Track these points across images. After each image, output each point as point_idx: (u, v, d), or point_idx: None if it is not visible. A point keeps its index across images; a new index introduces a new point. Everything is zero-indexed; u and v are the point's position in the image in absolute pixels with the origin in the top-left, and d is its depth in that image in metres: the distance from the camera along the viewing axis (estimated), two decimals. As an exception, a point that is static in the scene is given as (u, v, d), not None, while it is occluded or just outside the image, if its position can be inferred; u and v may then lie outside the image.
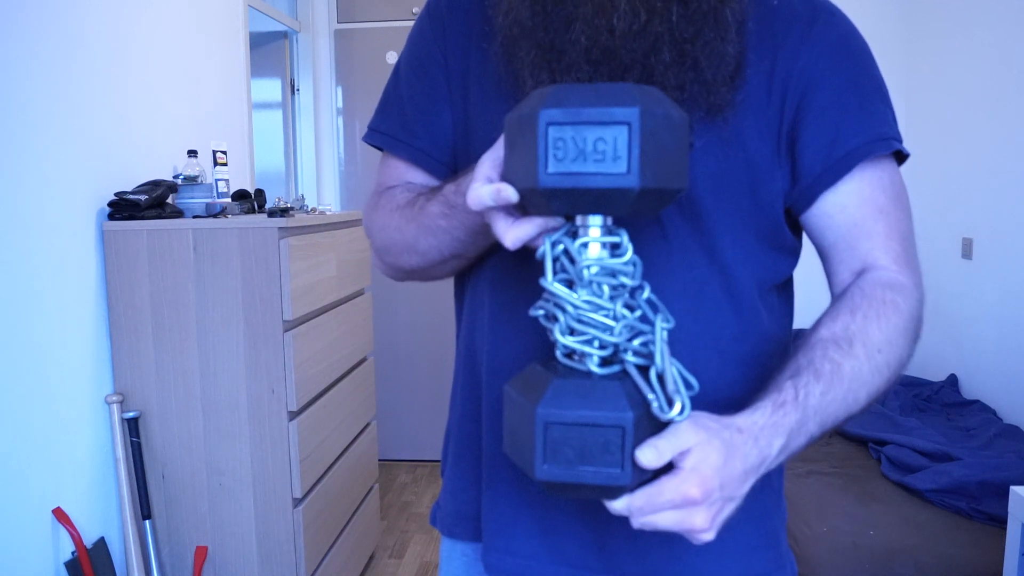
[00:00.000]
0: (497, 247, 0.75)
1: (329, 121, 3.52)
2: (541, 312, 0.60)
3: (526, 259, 0.69)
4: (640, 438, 0.54)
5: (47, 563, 1.64)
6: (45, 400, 1.64)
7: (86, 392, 1.78)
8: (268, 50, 3.34)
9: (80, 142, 1.77)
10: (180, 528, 1.89)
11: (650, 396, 0.55)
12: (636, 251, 0.63)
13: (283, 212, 1.91)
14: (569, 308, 0.56)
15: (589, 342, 0.57)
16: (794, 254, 0.80)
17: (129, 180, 1.96)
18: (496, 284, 0.77)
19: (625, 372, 0.57)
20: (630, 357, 0.57)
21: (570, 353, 0.59)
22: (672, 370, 0.55)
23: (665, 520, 0.54)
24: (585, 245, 0.57)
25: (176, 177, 2.02)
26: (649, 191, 0.52)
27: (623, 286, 0.57)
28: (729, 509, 0.57)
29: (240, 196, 2.13)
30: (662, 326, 0.57)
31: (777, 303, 0.80)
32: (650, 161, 0.52)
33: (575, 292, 0.57)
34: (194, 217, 1.90)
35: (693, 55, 0.66)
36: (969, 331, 2.77)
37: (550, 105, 0.52)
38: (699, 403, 0.61)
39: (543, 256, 0.58)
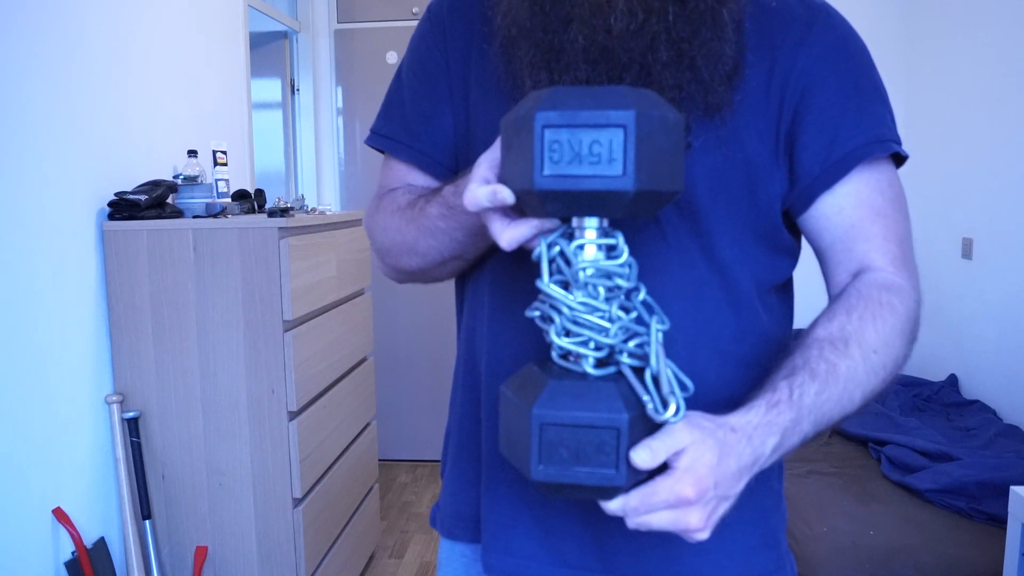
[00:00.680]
0: (496, 248, 0.76)
1: (329, 121, 3.52)
2: (537, 313, 0.60)
3: (525, 261, 0.69)
4: (635, 439, 0.54)
5: (47, 563, 1.64)
6: (45, 400, 1.64)
7: (86, 392, 1.78)
8: (268, 50, 3.34)
9: (80, 142, 1.77)
10: (180, 528, 1.89)
11: (645, 398, 0.55)
12: (634, 251, 0.63)
13: (283, 212, 1.91)
14: (565, 310, 0.56)
15: (584, 343, 0.57)
16: (792, 255, 0.80)
17: (129, 180, 1.96)
18: (495, 286, 0.77)
19: (620, 373, 0.57)
20: (625, 359, 0.57)
21: (566, 354, 0.59)
22: (667, 372, 0.56)
23: (660, 520, 0.55)
24: (581, 247, 0.57)
25: (176, 177, 2.02)
26: (645, 193, 0.53)
27: (618, 288, 0.57)
28: (724, 508, 0.57)
29: (240, 196, 2.13)
30: (657, 328, 0.57)
31: (776, 304, 0.80)
32: (646, 163, 0.52)
33: (571, 294, 0.57)
34: (194, 217, 1.90)
35: (690, 54, 0.66)
36: (969, 331, 2.77)
37: (546, 107, 0.53)
38: (698, 403, 0.61)
39: (539, 258, 0.58)
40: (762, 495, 0.78)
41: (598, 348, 0.57)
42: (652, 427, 0.55)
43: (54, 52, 1.68)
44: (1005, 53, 2.53)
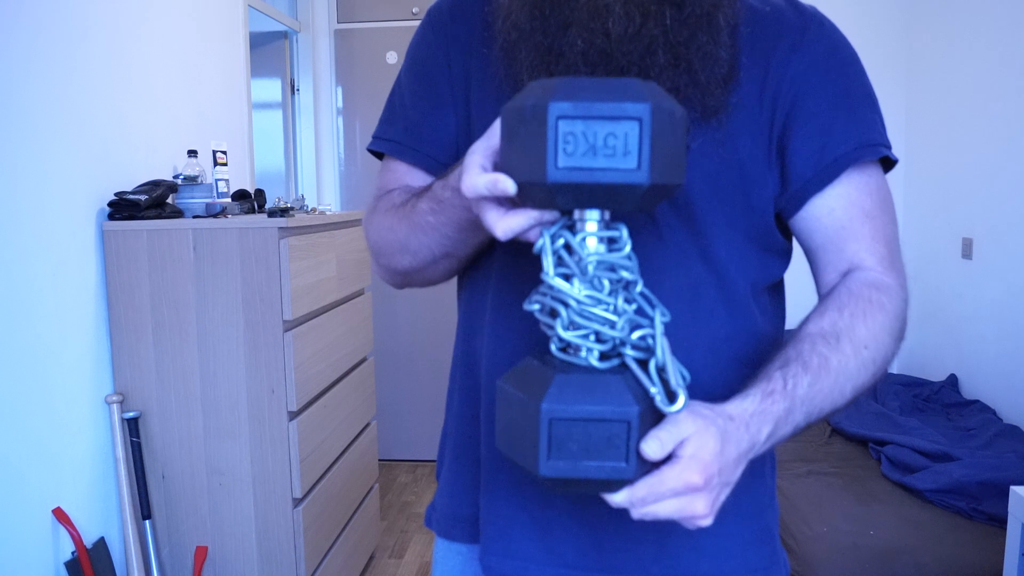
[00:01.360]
0: (492, 249, 0.76)
1: (329, 121, 3.52)
2: (536, 306, 0.60)
3: (530, 262, 0.70)
4: (643, 431, 0.54)
5: (47, 563, 1.64)
6: (45, 400, 1.64)
7: (86, 392, 1.78)
8: (268, 50, 3.34)
9: (80, 142, 1.77)
10: (180, 528, 1.89)
11: (653, 390, 0.55)
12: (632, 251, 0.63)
13: (283, 212, 1.91)
14: (572, 303, 0.56)
15: (588, 336, 0.57)
16: (785, 256, 0.82)
17: (129, 180, 1.96)
18: (500, 287, 0.77)
19: (624, 366, 0.57)
20: (629, 351, 0.57)
21: (565, 347, 0.58)
22: (672, 363, 0.56)
23: (666, 508, 0.55)
24: (585, 239, 0.57)
25: (176, 177, 2.02)
26: (657, 187, 0.53)
27: (622, 280, 0.57)
28: (725, 494, 0.58)
29: (240, 196, 2.13)
30: (660, 319, 0.57)
31: (769, 304, 0.81)
32: (659, 157, 0.52)
33: (574, 287, 0.56)
34: (194, 217, 1.90)
35: (687, 58, 0.67)
36: (969, 331, 2.77)
37: (560, 98, 0.52)
38: (694, 400, 0.62)
39: (541, 250, 0.57)
40: (757, 491, 0.78)
41: (602, 341, 0.57)
42: (656, 419, 0.56)
43: (54, 52, 1.68)
44: (1005, 53, 2.53)
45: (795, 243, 0.82)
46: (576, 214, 0.57)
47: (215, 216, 1.91)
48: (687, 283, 0.72)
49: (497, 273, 0.77)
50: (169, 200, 1.96)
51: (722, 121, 0.70)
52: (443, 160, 0.80)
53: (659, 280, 0.70)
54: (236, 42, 2.64)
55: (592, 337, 0.57)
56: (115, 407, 1.81)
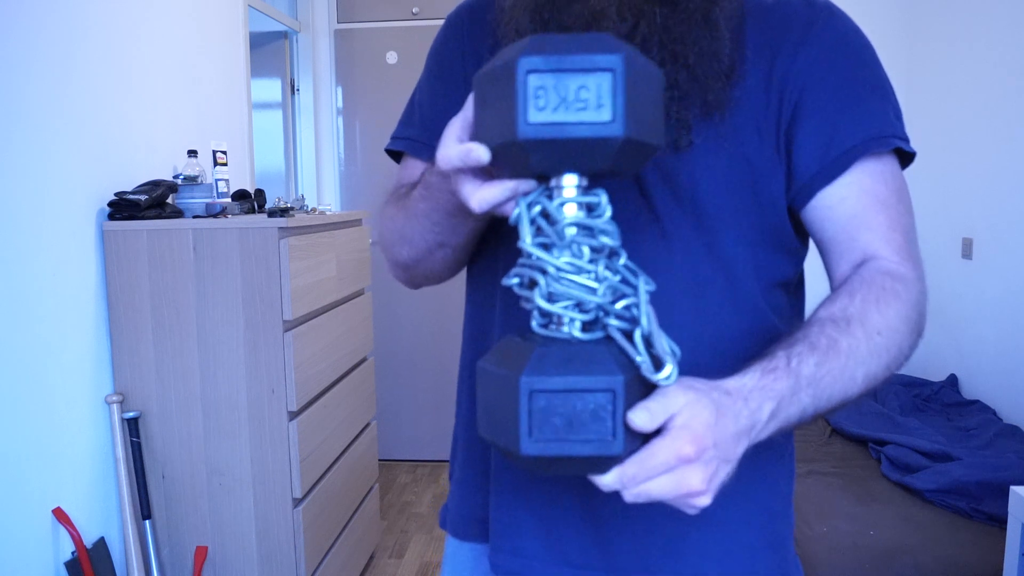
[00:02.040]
0: (497, 253, 0.77)
1: (329, 121, 3.52)
2: (516, 280, 0.58)
3: None
4: (630, 402, 0.51)
5: (47, 563, 1.64)
6: (45, 400, 1.64)
7: (86, 392, 1.78)
8: (268, 50, 3.34)
9: (80, 142, 1.77)
10: (180, 528, 1.89)
11: (638, 358, 0.53)
12: (636, 250, 0.62)
13: (283, 212, 1.91)
14: (551, 270, 0.54)
15: (569, 307, 0.55)
16: (797, 254, 0.80)
17: (129, 180, 1.96)
18: (505, 292, 0.77)
19: (608, 337, 0.55)
20: (613, 321, 0.55)
21: (547, 323, 0.57)
22: (659, 331, 0.54)
23: (660, 486, 0.52)
24: (563, 204, 0.54)
25: (176, 177, 2.02)
26: (632, 142, 0.51)
27: (604, 247, 0.55)
28: (725, 472, 0.55)
29: (240, 196, 2.13)
30: (645, 288, 0.55)
31: (785, 303, 0.79)
32: (634, 110, 0.50)
33: (552, 255, 0.55)
34: (194, 217, 1.90)
35: (684, 54, 0.67)
36: (969, 331, 2.77)
37: (530, 52, 0.50)
38: None
39: (518, 219, 0.56)
40: (767, 497, 0.77)
41: (584, 311, 0.55)
42: (645, 391, 0.53)
43: (54, 52, 1.68)
44: (1006, 53, 2.53)
45: (810, 243, 0.80)
46: (553, 181, 0.55)
47: (215, 216, 1.91)
48: (693, 282, 0.71)
49: (507, 270, 0.77)
50: (169, 200, 1.96)
51: (725, 116, 0.69)
52: None
53: (664, 279, 0.69)
54: (236, 42, 2.64)
55: (574, 307, 0.55)
56: (115, 407, 1.81)
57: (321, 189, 3.54)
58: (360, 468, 2.39)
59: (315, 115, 3.49)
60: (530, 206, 0.56)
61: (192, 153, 2.05)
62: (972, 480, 1.88)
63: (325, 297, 2.07)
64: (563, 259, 0.54)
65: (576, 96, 0.50)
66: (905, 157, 0.74)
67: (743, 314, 0.73)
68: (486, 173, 0.59)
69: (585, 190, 0.55)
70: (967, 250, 2.77)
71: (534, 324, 0.57)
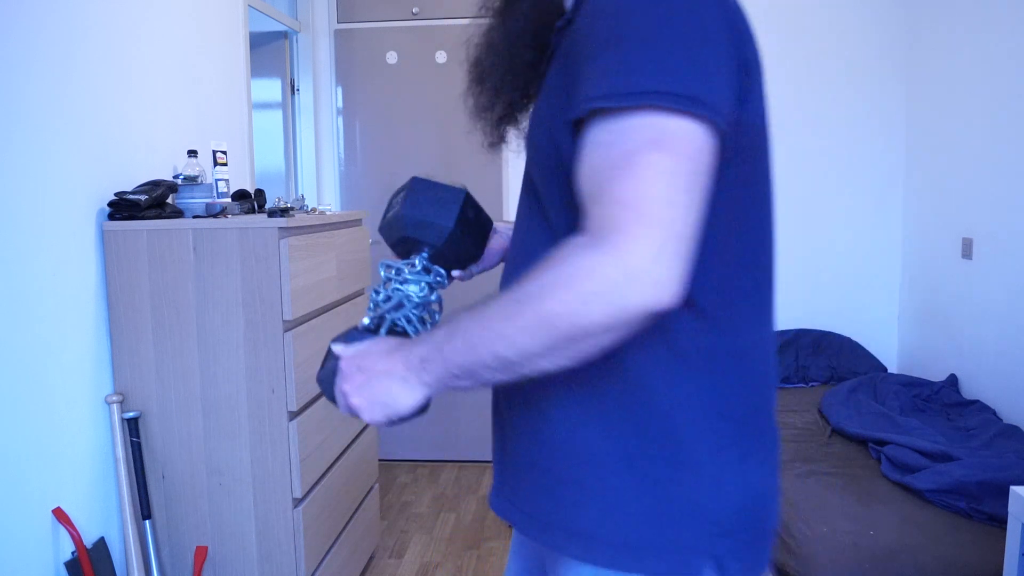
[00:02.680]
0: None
1: (329, 121, 3.52)
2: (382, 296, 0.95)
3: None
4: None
5: (47, 563, 1.64)
6: (45, 400, 1.64)
7: (86, 392, 1.78)
8: (268, 50, 3.34)
9: (80, 142, 1.77)
10: (180, 528, 1.89)
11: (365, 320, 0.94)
12: (516, 226, 0.89)
13: (283, 212, 1.91)
14: (373, 294, 0.95)
15: (370, 309, 0.94)
16: None
17: (129, 180, 1.96)
18: None
19: (375, 329, 0.92)
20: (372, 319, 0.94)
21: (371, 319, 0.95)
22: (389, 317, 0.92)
23: (339, 390, 0.83)
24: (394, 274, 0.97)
25: (176, 177, 2.02)
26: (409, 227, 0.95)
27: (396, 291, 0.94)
28: (361, 380, 0.80)
29: (240, 196, 2.13)
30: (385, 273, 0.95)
31: None
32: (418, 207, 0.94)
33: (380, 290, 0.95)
34: (194, 217, 1.90)
35: (477, 112, 0.99)
36: (969, 331, 2.77)
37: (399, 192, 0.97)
38: None
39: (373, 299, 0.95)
40: (542, 442, 0.80)
41: (372, 314, 0.94)
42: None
43: (54, 52, 1.68)
44: (1006, 53, 2.53)
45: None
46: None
47: (215, 216, 1.91)
48: (537, 251, 0.75)
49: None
50: (169, 200, 1.96)
51: (536, 103, 0.81)
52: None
53: (524, 251, 0.82)
54: (236, 42, 2.64)
55: (372, 310, 0.94)
56: (115, 407, 1.81)
57: (321, 189, 3.54)
58: (360, 468, 2.39)
59: (315, 115, 3.49)
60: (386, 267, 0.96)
61: (192, 153, 2.05)
62: (972, 480, 1.88)
63: (325, 297, 2.07)
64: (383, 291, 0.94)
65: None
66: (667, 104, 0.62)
67: None
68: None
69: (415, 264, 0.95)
70: (967, 250, 2.77)
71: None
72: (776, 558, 1.89)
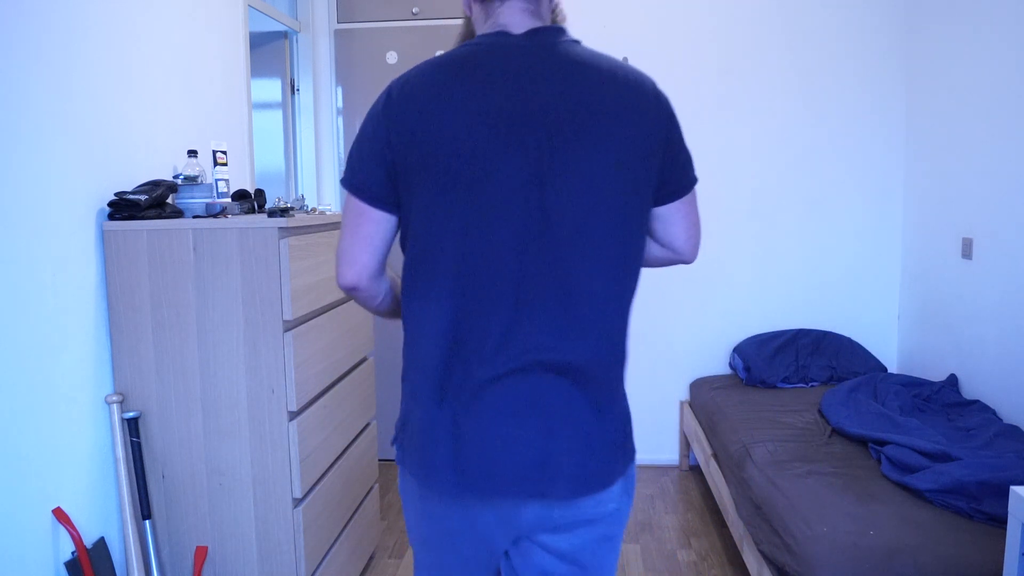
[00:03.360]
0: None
1: (329, 121, 3.52)
2: None
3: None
4: None
5: (47, 563, 1.64)
6: (45, 400, 1.64)
7: (86, 392, 1.78)
8: (268, 50, 3.34)
9: (80, 142, 1.77)
10: (180, 528, 1.89)
11: None
12: None
13: (283, 212, 1.91)
14: None
15: None
16: None
17: (129, 180, 1.96)
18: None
19: None
20: None
21: None
22: None
23: None
24: None
25: (176, 177, 2.02)
26: None
27: None
28: None
29: (240, 196, 2.13)
30: None
31: None
32: None
33: None
34: (194, 217, 1.90)
35: None
36: (969, 331, 2.78)
37: None
38: None
39: None
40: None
41: None
42: None
43: (55, 52, 1.68)
44: (1005, 53, 2.53)
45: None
46: None
47: (215, 216, 1.91)
48: None
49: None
50: (169, 200, 1.96)
51: None
52: None
53: None
54: (236, 42, 2.64)
55: None
56: (115, 407, 1.81)
57: (321, 189, 3.54)
58: (360, 468, 2.39)
59: (315, 115, 3.49)
60: None
61: (192, 153, 2.05)
62: (972, 480, 1.88)
63: (325, 297, 2.07)
64: None
65: None
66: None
67: None
68: None
69: None
70: (967, 250, 2.77)
71: None
72: (776, 558, 1.89)
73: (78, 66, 1.76)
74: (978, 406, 2.57)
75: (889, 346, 3.40)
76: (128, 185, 1.94)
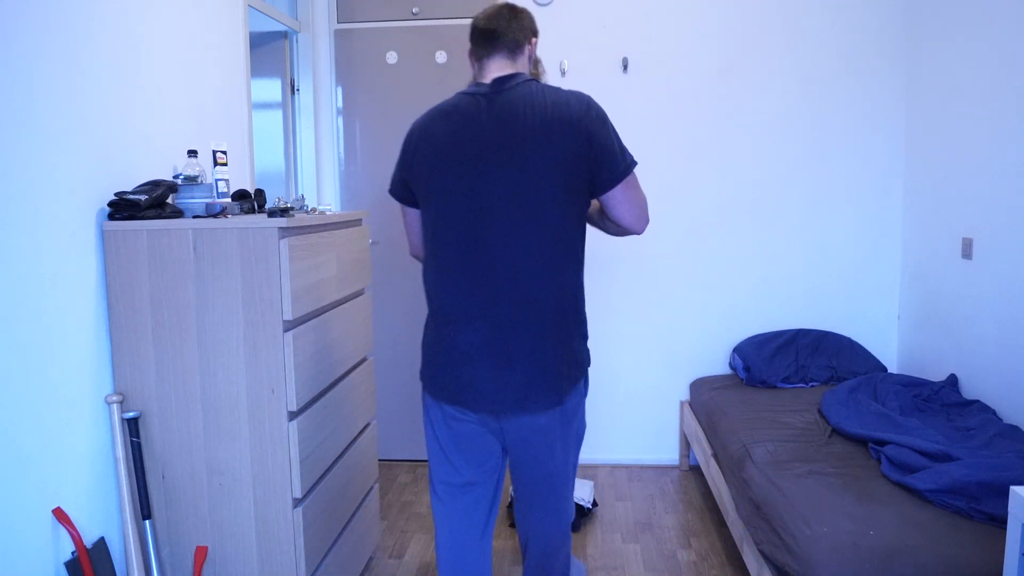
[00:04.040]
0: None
1: (329, 121, 3.52)
2: None
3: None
4: None
5: (47, 563, 1.64)
6: (45, 400, 1.64)
7: (86, 392, 1.78)
8: (268, 50, 3.34)
9: (80, 142, 1.77)
10: (180, 528, 1.89)
11: None
12: None
13: (283, 212, 1.91)
14: None
15: None
16: None
17: (129, 180, 1.96)
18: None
19: None
20: None
21: None
22: None
23: None
24: None
25: (176, 177, 2.02)
26: None
27: None
28: None
29: (240, 196, 2.13)
30: None
31: None
32: None
33: None
34: (194, 217, 1.90)
35: None
36: (969, 331, 2.78)
37: None
38: None
39: None
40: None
41: None
42: None
43: (55, 52, 1.68)
44: (1005, 54, 2.53)
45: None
46: None
47: (215, 216, 1.91)
48: None
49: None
50: (169, 200, 1.96)
51: None
52: None
53: None
54: (236, 42, 2.64)
55: None
56: (115, 407, 1.81)
57: (321, 189, 3.54)
58: (360, 468, 2.39)
59: (315, 115, 3.49)
60: None
61: (192, 153, 2.05)
62: (972, 480, 1.88)
63: (325, 297, 2.07)
64: None
65: None
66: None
67: None
68: None
69: None
70: (967, 250, 2.77)
71: None
72: (776, 558, 1.89)
73: (78, 66, 1.76)
74: (978, 406, 2.57)
75: (889, 346, 3.40)
76: (128, 185, 1.94)
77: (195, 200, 1.98)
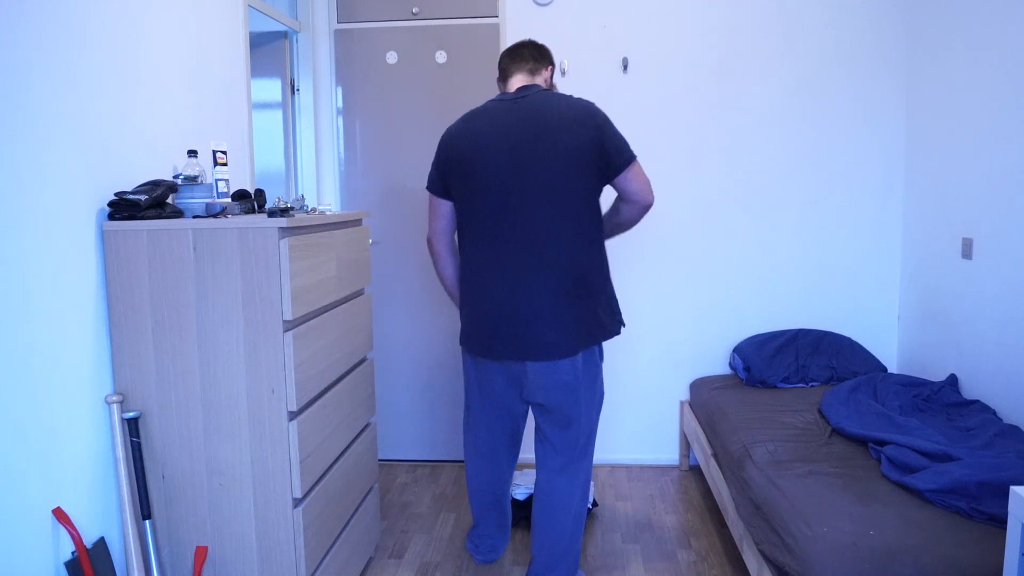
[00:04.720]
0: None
1: (329, 121, 3.52)
2: None
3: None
4: None
5: (47, 563, 1.64)
6: (45, 400, 1.64)
7: (86, 392, 1.78)
8: (268, 50, 3.34)
9: (80, 142, 1.77)
10: (180, 528, 1.89)
11: None
12: None
13: (283, 212, 1.91)
14: None
15: None
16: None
17: (129, 180, 1.96)
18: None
19: None
20: None
21: None
22: None
23: None
24: None
25: (176, 177, 2.02)
26: None
27: None
28: None
29: (240, 196, 2.13)
30: None
31: None
32: None
33: None
34: (194, 217, 1.90)
35: None
36: (969, 331, 2.78)
37: None
38: None
39: None
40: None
41: None
42: None
43: (55, 52, 1.68)
44: (1005, 53, 2.53)
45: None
46: None
47: (215, 216, 1.91)
48: None
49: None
50: (169, 200, 1.96)
51: None
52: None
53: None
54: (236, 42, 2.64)
55: None
56: (115, 407, 1.81)
57: (321, 189, 3.54)
58: (360, 468, 2.39)
59: (315, 115, 3.49)
60: None
61: (192, 153, 2.05)
62: (972, 480, 1.88)
63: (325, 297, 2.07)
64: None
65: None
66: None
67: None
68: None
69: None
70: (967, 250, 2.77)
71: None
72: (776, 558, 1.89)
73: (78, 66, 1.76)
74: (978, 406, 2.57)
75: (889, 346, 3.40)
76: (128, 185, 1.94)
77: (195, 200, 1.98)
